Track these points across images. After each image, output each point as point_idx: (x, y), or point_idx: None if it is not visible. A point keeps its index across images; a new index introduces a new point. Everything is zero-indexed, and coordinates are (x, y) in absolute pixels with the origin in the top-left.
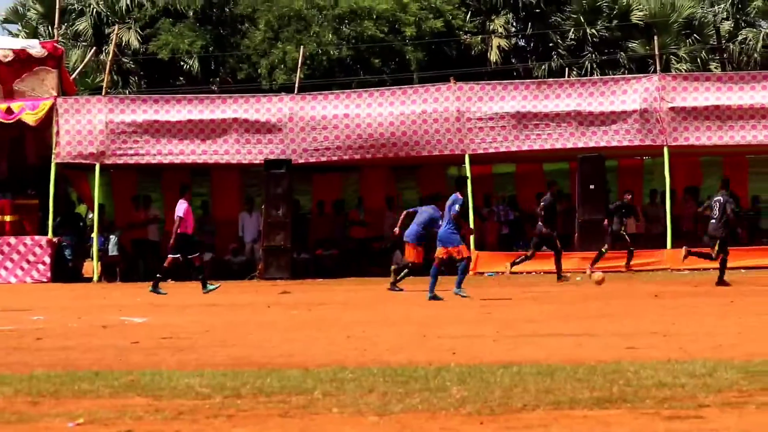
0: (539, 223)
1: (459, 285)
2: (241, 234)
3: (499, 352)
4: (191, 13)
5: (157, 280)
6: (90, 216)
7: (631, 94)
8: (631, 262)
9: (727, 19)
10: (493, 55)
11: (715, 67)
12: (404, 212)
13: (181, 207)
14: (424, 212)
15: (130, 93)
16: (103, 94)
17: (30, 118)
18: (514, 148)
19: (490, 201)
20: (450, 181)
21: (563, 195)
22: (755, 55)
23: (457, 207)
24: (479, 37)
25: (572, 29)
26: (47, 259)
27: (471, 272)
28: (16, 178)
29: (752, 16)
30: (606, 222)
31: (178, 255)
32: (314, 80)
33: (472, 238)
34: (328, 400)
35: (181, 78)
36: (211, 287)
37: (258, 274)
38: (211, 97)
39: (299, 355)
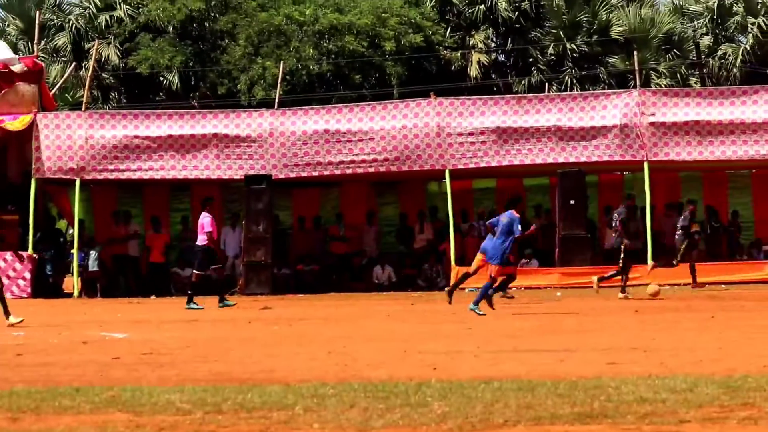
0: (619, 236)
1: (476, 303)
2: (223, 248)
3: (480, 367)
4: (171, 29)
5: (221, 295)
6: (70, 231)
7: (611, 109)
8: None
9: (706, 34)
10: (473, 71)
11: (695, 83)
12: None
13: (207, 220)
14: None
15: (110, 108)
16: (83, 109)
17: (12, 126)
18: (494, 164)
19: (467, 216)
20: (431, 197)
21: (544, 211)
22: (734, 70)
23: (520, 227)
24: (459, 53)
25: (552, 44)
26: (27, 275)
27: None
28: None
29: (731, 31)
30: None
31: (219, 265)
32: (294, 95)
33: (452, 252)
34: (309, 415)
35: (161, 93)
36: (195, 306)
37: (239, 290)
38: (191, 113)
39: (280, 371)
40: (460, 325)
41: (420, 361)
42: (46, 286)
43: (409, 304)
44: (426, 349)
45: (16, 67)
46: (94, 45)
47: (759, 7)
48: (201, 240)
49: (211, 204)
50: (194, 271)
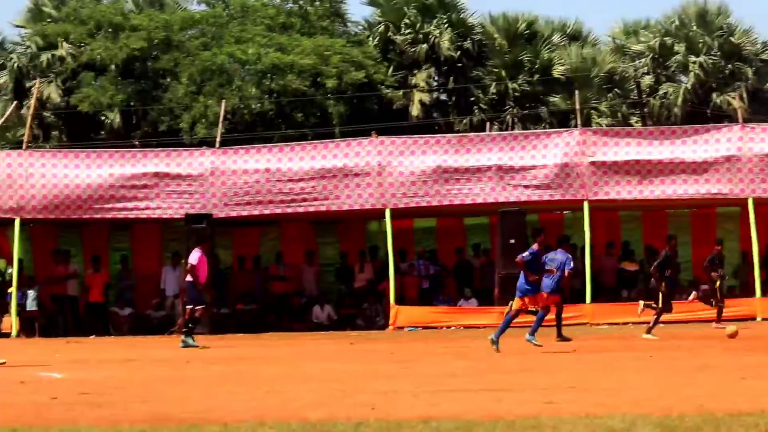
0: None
1: (533, 332)
2: (163, 287)
3: (419, 407)
4: (113, 67)
5: (188, 332)
6: (9, 271)
7: (552, 148)
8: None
9: (647, 73)
10: (415, 110)
11: (636, 122)
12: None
13: (195, 255)
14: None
15: (51, 147)
16: (24, 148)
17: None
18: (435, 203)
19: (406, 256)
20: (371, 236)
21: (482, 250)
22: (675, 109)
23: (572, 264)
24: (401, 92)
25: (493, 83)
26: None
27: (390, 327)
28: None
29: (672, 70)
30: (714, 275)
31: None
32: (236, 134)
33: (392, 291)
34: None
35: (103, 132)
36: (192, 343)
37: (177, 329)
38: (132, 152)
39: (218, 411)
40: (398, 364)
41: (359, 400)
42: None
43: (348, 343)
44: (365, 388)
45: None
46: (35, 84)
47: (700, 46)
48: (189, 277)
49: (207, 243)
50: (196, 307)
